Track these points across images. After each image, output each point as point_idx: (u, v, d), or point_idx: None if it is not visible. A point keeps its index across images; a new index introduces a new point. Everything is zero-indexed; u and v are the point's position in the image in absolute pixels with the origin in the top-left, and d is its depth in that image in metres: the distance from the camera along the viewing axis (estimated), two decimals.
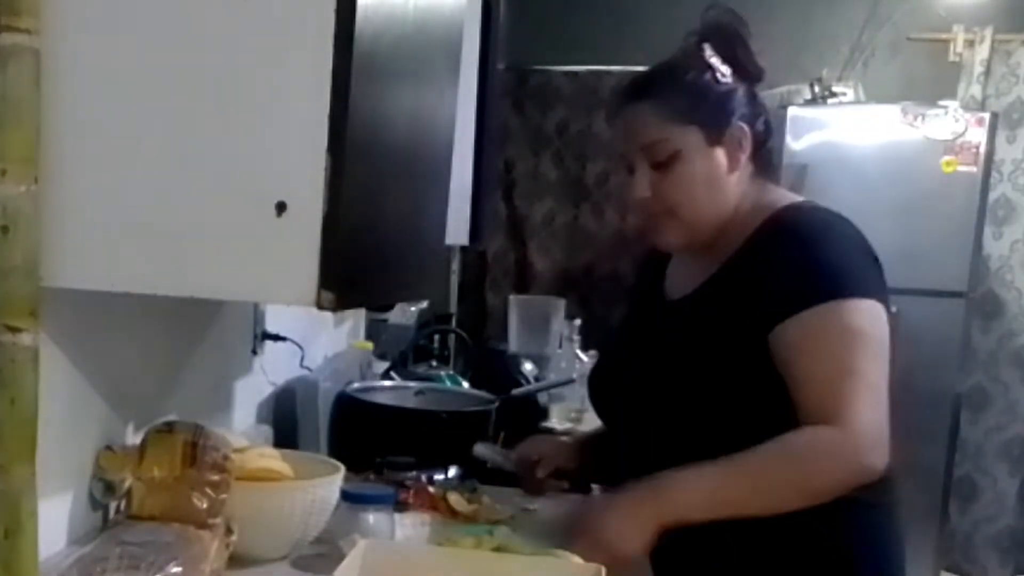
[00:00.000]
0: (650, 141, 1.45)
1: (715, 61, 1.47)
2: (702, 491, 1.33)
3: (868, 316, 1.36)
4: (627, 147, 1.49)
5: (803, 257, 1.39)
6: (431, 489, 1.73)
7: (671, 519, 1.32)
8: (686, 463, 1.33)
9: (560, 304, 3.32)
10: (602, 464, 1.68)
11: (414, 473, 1.80)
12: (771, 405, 1.36)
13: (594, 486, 1.84)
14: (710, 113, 1.46)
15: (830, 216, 1.46)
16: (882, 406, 1.33)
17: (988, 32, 4.26)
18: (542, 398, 2.87)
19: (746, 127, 1.47)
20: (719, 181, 1.47)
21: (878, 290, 1.40)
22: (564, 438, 2.00)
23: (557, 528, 1.41)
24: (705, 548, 1.41)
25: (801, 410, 1.33)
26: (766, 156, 1.52)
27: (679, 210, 1.46)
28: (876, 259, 1.44)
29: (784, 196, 1.52)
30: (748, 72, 1.51)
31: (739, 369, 1.38)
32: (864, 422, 1.30)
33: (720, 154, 1.46)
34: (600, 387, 1.66)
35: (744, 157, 1.48)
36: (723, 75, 1.47)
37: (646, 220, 1.50)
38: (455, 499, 1.69)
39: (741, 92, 1.49)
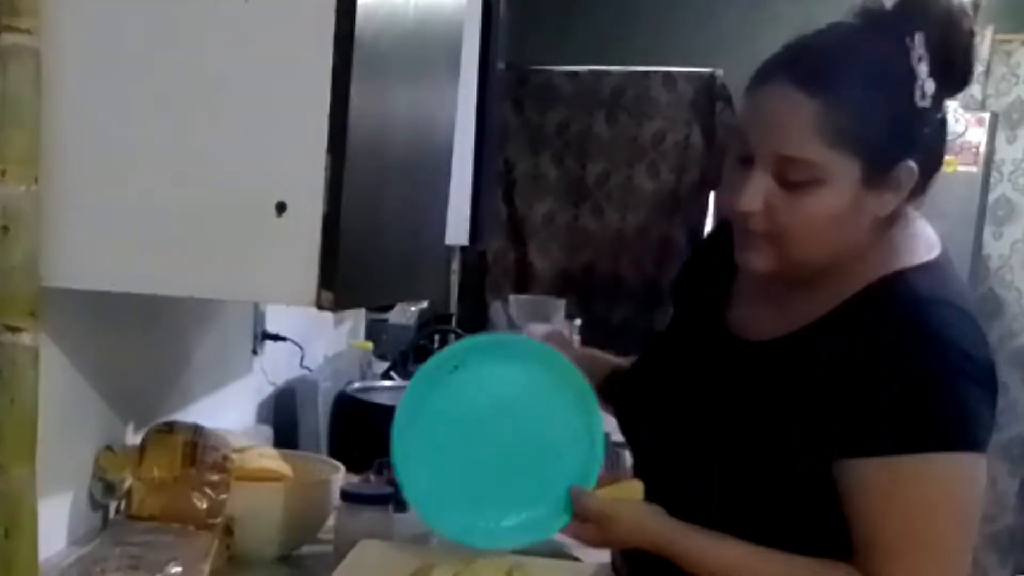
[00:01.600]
0: (795, 156, 1.11)
1: (922, 69, 1.11)
2: (719, 570, 1.18)
3: (970, 475, 1.13)
4: (758, 139, 1.14)
5: (914, 378, 1.11)
6: None
7: (667, 556, 1.20)
8: (700, 500, 1.22)
9: (560, 304, 3.30)
10: (611, 395, 1.45)
11: None
12: (824, 500, 1.16)
13: None
14: (884, 148, 1.11)
15: (956, 313, 1.15)
16: None
17: (988, 32, 4.25)
18: None
19: (916, 168, 1.13)
20: (852, 222, 1.15)
21: (987, 433, 1.15)
22: (595, 351, 1.64)
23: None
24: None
25: (858, 553, 1.13)
26: (921, 190, 1.18)
27: (786, 240, 1.15)
28: (993, 375, 1.17)
29: (911, 243, 1.21)
30: (956, 86, 1.15)
31: (809, 453, 1.16)
32: None
33: (869, 197, 1.13)
34: (633, 405, 1.40)
35: (897, 200, 1.15)
36: (924, 95, 1.11)
37: (737, 232, 1.20)
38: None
39: (934, 117, 1.14)
